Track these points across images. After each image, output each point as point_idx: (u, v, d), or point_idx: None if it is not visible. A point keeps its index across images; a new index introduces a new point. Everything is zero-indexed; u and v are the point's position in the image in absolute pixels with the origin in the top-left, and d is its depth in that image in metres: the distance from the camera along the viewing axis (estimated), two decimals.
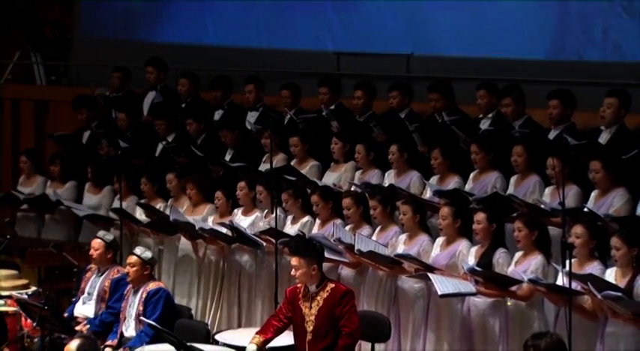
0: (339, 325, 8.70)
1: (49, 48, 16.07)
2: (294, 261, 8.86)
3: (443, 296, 9.15)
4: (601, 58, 11.70)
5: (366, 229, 10.27)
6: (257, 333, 8.98)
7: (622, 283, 8.33)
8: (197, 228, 11.10)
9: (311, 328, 8.77)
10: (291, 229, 10.71)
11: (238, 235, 10.81)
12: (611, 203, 9.42)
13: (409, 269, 9.68)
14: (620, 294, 8.15)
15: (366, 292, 10.14)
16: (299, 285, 8.93)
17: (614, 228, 8.88)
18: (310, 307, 8.81)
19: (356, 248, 9.73)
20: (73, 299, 10.63)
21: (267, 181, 10.88)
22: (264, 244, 10.65)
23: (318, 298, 8.80)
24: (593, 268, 8.60)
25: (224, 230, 10.98)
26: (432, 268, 9.39)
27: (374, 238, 10.14)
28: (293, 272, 8.88)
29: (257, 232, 10.72)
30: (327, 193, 10.65)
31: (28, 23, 16.17)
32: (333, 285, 8.88)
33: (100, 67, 14.63)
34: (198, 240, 11.29)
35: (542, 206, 9.66)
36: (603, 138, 10.09)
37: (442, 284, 9.13)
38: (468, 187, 10.38)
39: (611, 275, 8.47)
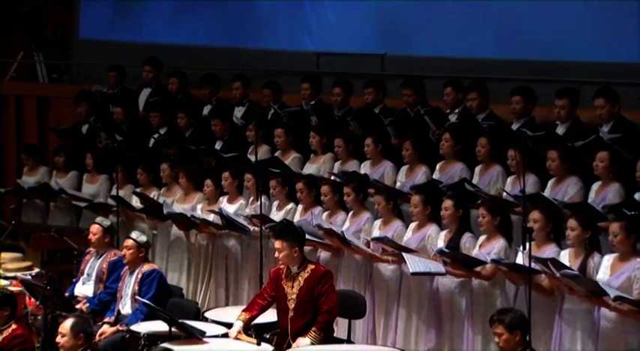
0: (318, 303, 8.76)
1: (51, 48, 16.05)
2: (277, 244, 8.92)
3: (414, 274, 9.23)
4: (559, 57, 11.79)
5: (341, 215, 10.34)
6: (243, 310, 9.05)
7: (575, 264, 8.41)
8: (189, 216, 11.15)
9: (293, 305, 8.83)
10: (276, 215, 10.76)
11: (227, 221, 10.86)
12: (565, 191, 9.50)
13: (385, 258, 9.75)
14: (576, 272, 8.23)
15: (342, 273, 10.19)
16: (282, 266, 8.99)
17: (569, 213, 8.97)
18: (292, 287, 8.86)
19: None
20: (74, 280, 10.67)
21: (255, 170, 10.94)
22: (252, 228, 10.69)
23: (300, 278, 8.86)
24: (550, 250, 8.67)
25: (211, 217, 11.03)
26: (406, 250, 9.45)
27: (347, 223, 10.23)
28: (276, 254, 8.94)
29: (249, 216, 10.76)
30: (312, 181, 10.71)
31: (31, 25, 16.15)
32: (313, 266, 8.96)
33: (97, 66, 14.64)
34: (191, 230, 11.34)
35: (505, 194, 9.74)
36: (559, 131, 10.18)
37: (414, 263, 9.20)
38: (435, 176, 10.43)
39: (565, 256, 8.55)
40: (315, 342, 8.64)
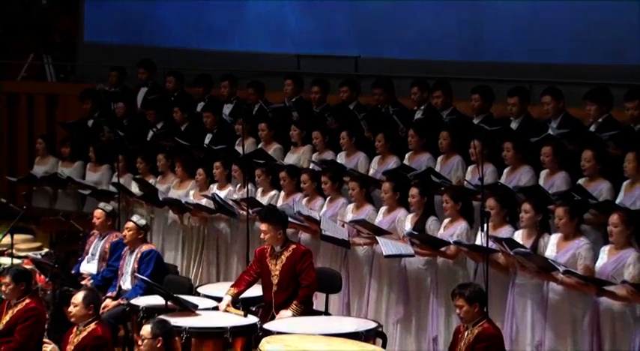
0: (299, 279, 8.80)
1: (58, 51, 16.04)
2: (263, 227, 8.95)
3: (387, 256, 9.27)
4: (515, 59, 11.88)
5: (319, 201, 10.39)
6: (232, 286, 9.08)
7: (528, 243, 8.46)
8: (183, 202, 11.18)
9: (276, 281, 8.86)
10: (261, 200, 10.77)
11: (219, 205, 10.89)
12: (519, 179, 9.54)
13: (359, 241, 9.81)
14: (528, 250, 8.29)
15: (321, 252, 10.22)
16: (266, 246, 9.03)
17: (522, 198, 9.05)
18: (276, 264, 8.89)
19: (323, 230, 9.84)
20: (79, 259, 10.67)
21: (242, 160, 10.98)
22: (240, 212, 10.71)
23: (283, 256, 8.89)
24: (505, 231, 8.74)
25: (204, 201, 11.07)
26: (380, 231, 9.49)
27: (324, 208, 10.28)
28: (262, 236, 8.96)
29: (238, 199, 10.79)
30: (293, 170, 10.75)
31: (40, 30, 16.13)
32: (294, 246, 9.00)
33: (100, 67, 14.63)
34: (185, 214, 11.36)
35: (465, 182, 9.81)
36: (513, 126, 10.24)
37: (387, 246, 9.23)
38: None
39: (519, 236, 8.61)
40: (296, 314, 8.68)
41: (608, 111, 9.62)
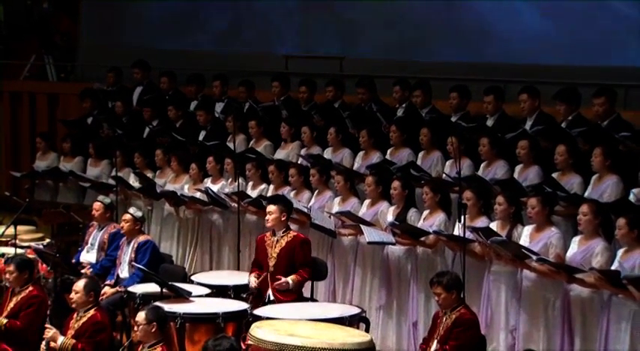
0: (297, 267, 8.89)
1: (59, 51, 15.98)
2: (270, 208, 9.05)
3: (370, 243, 9.32)
4: (490, 60, 11.92)
5: (306, 194, 10.41)
6: (250, 273, 9.18)
7: (502, 234, 8.49)
8: (179, 194, 11.19)
9: (273, 263, 8.94)
10: (251, 194, 10.79)
11: (211, 198, 10.90)
12: (495, 173, 9.58)
13: (344, 232, 9.84)
14: (504, 238, 8.33)
15: None
16: (267, 234, 9.11)
17: (497, 190, 9.09)
18: (274, 247, 8.97)
19: (313, 219, 9.89)
20: (79, 249, 10.66)
21: (233, 156, 10.99)
22: (233, 204, 10.73)
23: (282, 240, 8.99)
24: (481, 222, 8.77)
25: (198, 194, 11.08)
26: (364, 222, 9.52)
27: (312, 200, 10.30)
28: (267, 217, 9.06)
29: (229, 193, 10.81)
30: (281, 165, 10.76)
31: (41, 32, 16.08)
32: (295, 233, 9.11)
33: (99, 67, 14.62)
34: (180, 206, 11.38)
35: (444, 176, 9.84)
36: (489, 123, 10.28)
37: (370, 234, 9.27)
38: None
39: (493, 227, 8.61)
40: (293, 283, 8.80)
41: (576, 109, 9.68)
